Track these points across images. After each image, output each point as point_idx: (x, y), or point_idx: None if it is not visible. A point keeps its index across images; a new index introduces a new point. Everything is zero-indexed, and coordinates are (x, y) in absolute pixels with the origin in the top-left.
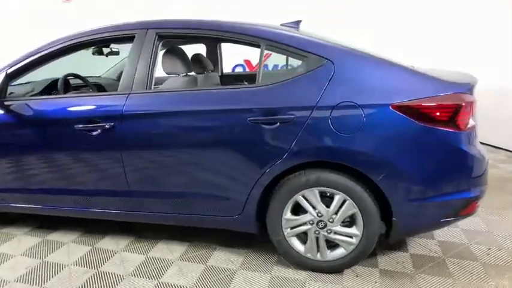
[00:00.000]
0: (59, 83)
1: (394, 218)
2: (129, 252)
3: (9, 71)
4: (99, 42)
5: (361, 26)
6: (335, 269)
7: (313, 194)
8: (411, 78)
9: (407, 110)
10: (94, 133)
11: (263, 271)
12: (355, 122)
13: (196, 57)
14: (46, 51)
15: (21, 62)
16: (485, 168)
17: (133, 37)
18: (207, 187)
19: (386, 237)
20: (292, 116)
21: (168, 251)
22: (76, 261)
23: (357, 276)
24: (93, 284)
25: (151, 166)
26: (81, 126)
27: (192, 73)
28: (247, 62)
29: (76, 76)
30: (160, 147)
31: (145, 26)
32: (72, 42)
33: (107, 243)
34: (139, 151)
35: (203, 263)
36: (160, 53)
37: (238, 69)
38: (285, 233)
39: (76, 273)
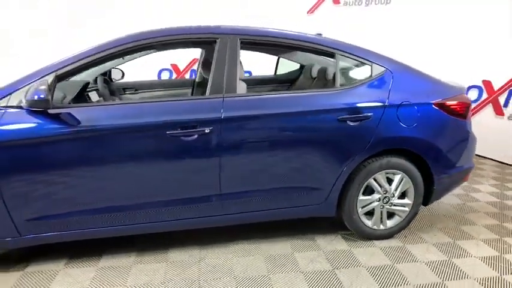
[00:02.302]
0: (99, 86)
1: (434, 187)
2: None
3: (59, 72)
4: (169, 44)
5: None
6: (392, 234)
7: (382, 175)
8: (436, 84)
9: (443, 106)
10: (189, 138)
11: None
12: (413, 117)
13: (207, 62)
14: (110, 51)
15: (75, 62)
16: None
17: (214, 42)
18: (302, 180)
19: (424, 204)
20: (371, 114)
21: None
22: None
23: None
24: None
25: (250, 167)
26: (175, 132)
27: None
28: (174, 66)
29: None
30: (258, 148)
31: (229, 32)
32: (140, 43)
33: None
34: (237, 153)
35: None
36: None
37: (165, 73)
38: (359, 212)
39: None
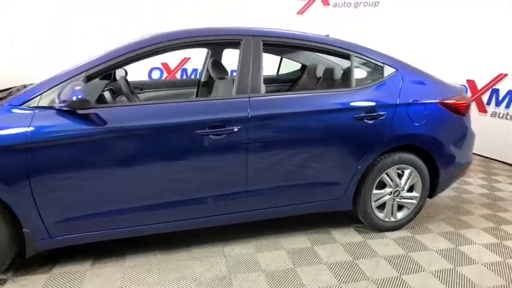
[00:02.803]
0: (122, 86)
1: (439, 180)
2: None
3: (89, 72)
4: (195, 45)
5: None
6: (401, 225)
7: (394, 170)
8: (439, 84)
9: (447, 105)
10: (219, 137)
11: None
12: (421, 115)
13: (216, 62)
14: (139, 52)
15: (105, 62)
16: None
17: (238, 43)
18: (323, 176)
19: (430, 197)
20: (385, 112)
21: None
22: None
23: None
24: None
25: (274, 164)
26: (205, 131)
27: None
28: (165, 65)
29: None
30: (282, 146)
31: (253, 34)
32: (170, 43)
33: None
34: (262, 151)
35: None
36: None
37: (156, 72)
38: (372, 205)
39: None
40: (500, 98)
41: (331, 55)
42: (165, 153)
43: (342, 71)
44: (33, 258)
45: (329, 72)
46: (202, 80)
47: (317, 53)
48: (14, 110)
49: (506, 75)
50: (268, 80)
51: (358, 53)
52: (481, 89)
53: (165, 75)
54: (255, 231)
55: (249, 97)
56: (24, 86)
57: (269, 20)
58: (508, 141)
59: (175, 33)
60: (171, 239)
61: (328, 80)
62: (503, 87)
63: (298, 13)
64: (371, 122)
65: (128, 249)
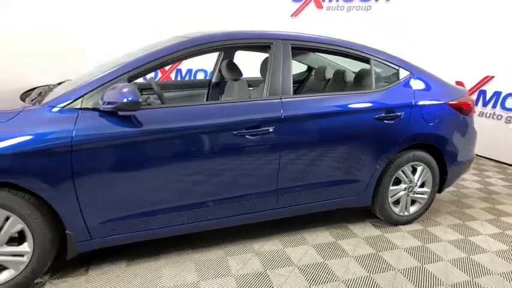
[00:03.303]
0: (155, 88)
1: (448, 176)
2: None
3: (131, 74)
4: (231, 47)
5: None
6: (414, 219)
7: (408, 167)
8: (447, 86)
9: (454, 106)
10: (254, 137)
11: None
12: (433, 115)
13: (231, 64)
14: (174, 54)
15: (146, 64)
16: None
17: (268, 46)
18: (347, 174)
19: (439, 192)
20: (402, 113)
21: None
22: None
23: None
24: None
25: (303, 163)
26: (241, 131)
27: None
28: None
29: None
30: (311, 145)
31: (282, 37)
32: (207, 45)
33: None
34: (293, 150)
35: None
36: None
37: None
38: (389, 201)
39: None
40: (487, 98)
41: (352, 58)
42: (204, 154)
43: (353, 74)
44: (68, 261)
45: (340, 74)
46: (213, 81)
47: (321, 56)
48: (57, 112)
49: (492, 77)
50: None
51: (377, 57)
52: (469, 90)
53: (159, 75)
54: (277, 228)
55: (281, 98)
56: (48, 87)
57: (263, 22)
58: (494, 140)
59: (215, 36)
60: (203, 237)
61: (339, 82)
62: (489, 89)
63: (292, 15)
64: (390, 122)
65: (161, 248)
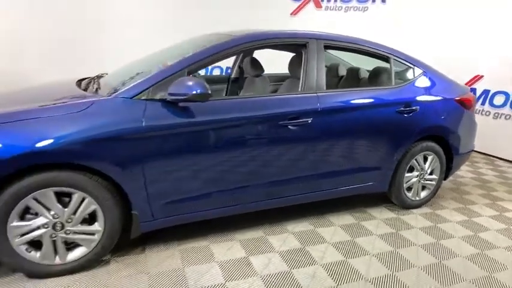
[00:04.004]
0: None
1: (453, 164)
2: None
3: (191, 67)
4: (271, 46)
5: None
6: (423, 203)
7: (421, 157)
8: (452, 83)
9: (460, 101)
10: (295, 127)
11: None
12: (443, 109)
13: (254, 60)
14: (227, 51)
15: (202, 59)
16: None
17: (304, 45)
18: (371, 162)
19: (444, 179)
20: (418, 107)
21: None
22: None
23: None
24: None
25: (336, 151)
26: (285, 122)
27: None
28: None
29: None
30: (343, 135)
31: (316, 37)
32: (258, 43)
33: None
34: (327, 140)
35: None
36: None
37: None
38: (404, 187)
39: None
40: (477, 96)
41: (374, 57)
42: (254, 142)
43: (367, 71)
44: (124, 242)
45: (354, 71)
46: (233, 76)
47: (331, 53)
48: (128, 103)
49: (482, 76)
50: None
51: (396, 56)
52: None
53: None
54: (303, 212)
55: (316, 92)
56: (101, 75)
57: (263, 20)
58: (482, 134)
59: (263, 34)
60: (243, 219)
61: (354, 79)
62: (479, 87)
63: (291, 14)
64: (408, 115)
65: (206, 229)
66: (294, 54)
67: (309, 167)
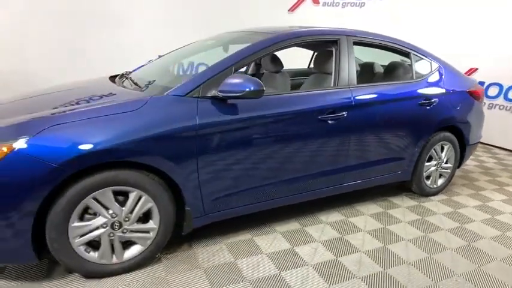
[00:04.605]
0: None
1: (466, 153)
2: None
3: (237, 65)
4: (308, 44)
5: None
6: (440, 191)
7: (439, 146)
8: (464, 76)
9: (471, 93)
10: (332, 121)
11: None
12: (457, 101)
13: (274, 57)
14: (268, 48)
15: (246, 57)
16: None
17: (335, 42)
18: (397, 152)
19: (458, 167)
20: (437, 99)
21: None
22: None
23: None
24: None
25: (367, 143)
26: (323, 116)
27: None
28: None
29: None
30: (373, 128)
31: (346, 33)
32: (302, 39)
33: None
34: (359, 132)
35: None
36: None
37: None
38: (424, 175)
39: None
40: None
41: (396, 52)
42: (299, 136)
43: (381, 66)
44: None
45: (368, 66)
46: (249, 72)
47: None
48: (181, 101)
49: (477, 69)
50: (303, 73)
51: (416, 51)
52: None
53: None
54: (332, 204)
55: (349, 87)
56: (127, 73)
57: (261, 15)
58: None
59: (303, 32)
60: (279, 212)
61: (369, 73)
62: (475, 79)
63: (289, 10)
64: (428, 107)
65: (244, 223)
66: (319, 51)
67: (345, 159)
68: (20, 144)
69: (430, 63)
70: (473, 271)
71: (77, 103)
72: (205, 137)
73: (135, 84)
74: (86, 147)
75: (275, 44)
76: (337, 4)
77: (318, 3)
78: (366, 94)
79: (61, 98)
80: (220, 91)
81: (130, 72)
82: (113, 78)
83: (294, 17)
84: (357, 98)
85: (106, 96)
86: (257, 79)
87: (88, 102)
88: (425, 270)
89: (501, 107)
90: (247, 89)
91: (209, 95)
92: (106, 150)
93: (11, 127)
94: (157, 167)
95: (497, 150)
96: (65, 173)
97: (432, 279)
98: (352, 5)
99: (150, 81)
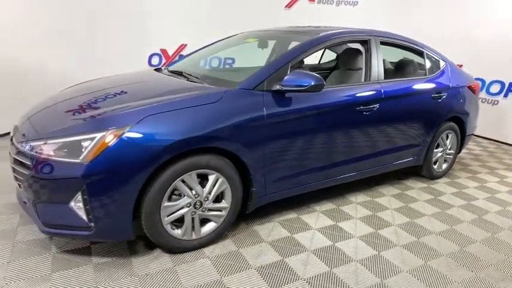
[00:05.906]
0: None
1: (465, 141)
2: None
3: (292, 62)
4: (340, 44)
5: None
6: (444, 174)
7: (445, 135)
8: (463, 72)
9: (470, 88)
10: (367, 112)
11: None
12: (461, 95)
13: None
14: (318, 46)
15: (300, 54)
16: None
17: (366, 41)
18: (413, 139)
19: (458, 153)
20: (446, 93)
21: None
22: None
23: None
24: None
25: (391, 131)
26: (360, 107)
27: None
28: (163, 51)
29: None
30: (397, 118)
31: (374, 34)
32: (339, 39)
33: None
34: (386, 122)
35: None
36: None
37: (155, 58)
38: (432, 161)
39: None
40: None
41: (411, 51)
42: (342, 125)
43: (390, 62)
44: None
45: None
46: None
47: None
48: (250, 93)
49: (461, 65)
50: (313, 68)
51: (428, 50)
52: None
53: (163, 61)
54: (355, 187)
55: (379, 82)
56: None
57: (258, 12)
58: None
59: (343, 32)
60: (312, 195)
61: None
62: None
63: (286, 7)
64: (439, 100)
65: (285, 206)
66: (345, 50)
67: (375, 145)
68: (126, 131)
69: (439, 60)
70: (488, 238)
71: (159, 95)
72: (270, 126)
73: (195, 77)
74: (180, 135)
75: (322, 42)
76: (331, 2)
77: (313, 1)
78: (393, 88)
79: (141, 90)
80: (283, 85)
81: (168, 66)
82: (158, 70)
83: (291, 14)
84: (386, 91)
85: (180, 89)
86: (317, 74)
87: (167, 95)
88: (452, 238)
89: (483, 100)
90: (310, 84)
91: (273, 89)
92: (197, 138)
93: (111, 117)
94: (234, 152)
95: (479, 139)
96: (163, 158)
97: (458, 245)
98: (346, 3)
99: (207, 75)
